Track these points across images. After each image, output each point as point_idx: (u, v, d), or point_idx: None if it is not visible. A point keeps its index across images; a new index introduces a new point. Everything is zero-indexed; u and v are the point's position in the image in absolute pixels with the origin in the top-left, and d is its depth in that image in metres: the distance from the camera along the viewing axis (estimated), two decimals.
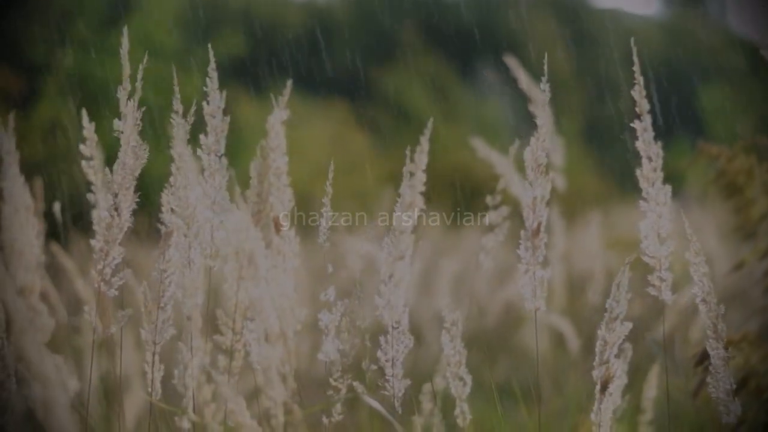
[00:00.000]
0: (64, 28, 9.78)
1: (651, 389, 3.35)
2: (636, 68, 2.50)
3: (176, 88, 2.57)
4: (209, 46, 2.62)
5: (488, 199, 3.05)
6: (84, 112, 2.73)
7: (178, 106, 2.55)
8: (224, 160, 2.60)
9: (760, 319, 3.50)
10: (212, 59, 2.58)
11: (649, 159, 2.51)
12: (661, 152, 2.51)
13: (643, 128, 2.51)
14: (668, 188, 2.50)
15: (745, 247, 3.55)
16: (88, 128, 2.71)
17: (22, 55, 9.45)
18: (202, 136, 2.58)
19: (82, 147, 2.74)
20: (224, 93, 2.61)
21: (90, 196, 2.80)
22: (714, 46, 17.40)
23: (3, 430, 2.29)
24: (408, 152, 2.54)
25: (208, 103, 2.59)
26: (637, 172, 2.51)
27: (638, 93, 2.51)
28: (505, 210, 3.04)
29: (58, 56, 9.53)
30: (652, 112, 2.53)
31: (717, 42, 17.55)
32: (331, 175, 2.54)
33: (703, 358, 2.89)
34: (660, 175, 2.51)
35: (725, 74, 16.31)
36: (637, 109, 2.51)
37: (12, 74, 9.04)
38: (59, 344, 3.67)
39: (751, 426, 2.86)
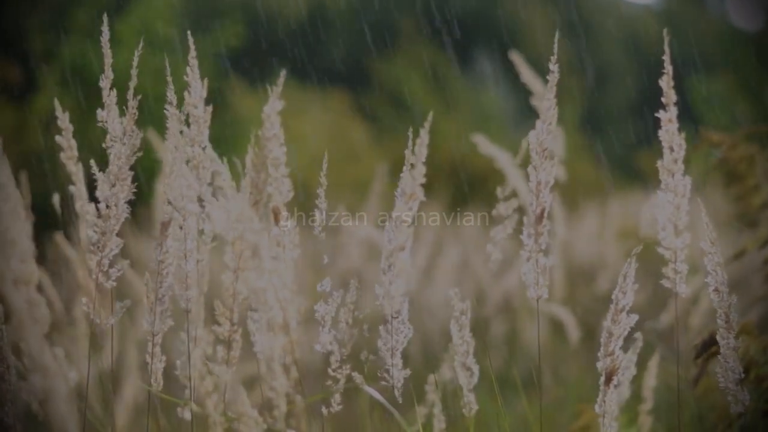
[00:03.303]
0: (64, 18, 9.76)
1: (651, 378, 3.36)
2: (666, 58, 2.49)
3: (169, 79, 2.55)
4: (188, 33, 2.60)
5: (498, 191, 3.03)
6: (57, 102, 2.69)
7: (171, 96, 2.53)
8: (209, 151, 2.58)
9: (761, 309, 3.50)
10: (192, 47, 2.56)
11: (671, 149, 2.50)
12: (683, 143, 2.50)
13: (668, 119, 2.50)
14: (688, 179, 2.49)
15: (746, 236, 3.55)
16: (62, 118, 2.68)
17: (21, 45, 9.43)
18: (185, 128, 2.56)
19: (58, 138, 2.71)
20: (206, 82, 2.59)
21: (71, 188, 2.78)
22: (712, 35, 17.39)
23: (2, 422, 2.29)
24: (410, 143, 2.53)
25: (189, 93, 2.57)
26: (658, 162, 2.49)
27: (666, 83, 2.50)
28: (515, 202, 3.03)
29: (58, 47, 9.51)
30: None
31: (715, 31, 17.54)
32: (325, 167, 2.53)
33: (704, 349, 2.89)
34: (681, 166, 2.49)
35: (723, 63, 16.30)
36: (663, 99, 2.49)
37: (11, 64, 9.03)
38: (56, 336, 3.67)
39: (751, 415, 2.86)
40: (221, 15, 12.68)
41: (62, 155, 2.73)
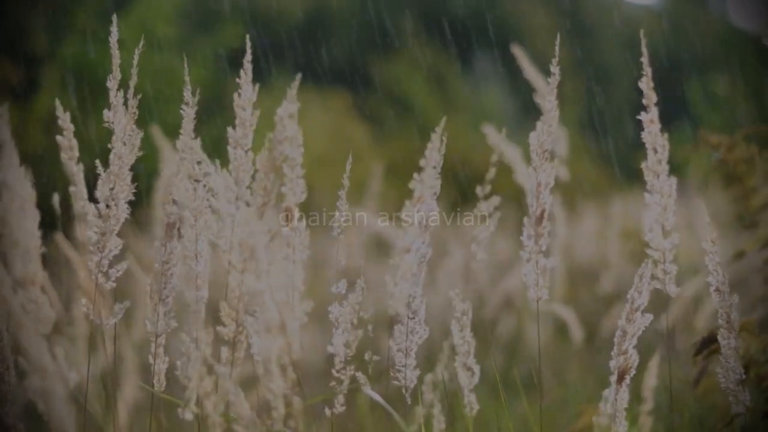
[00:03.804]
0: (65, 19, 9.76)
1: (651, 379, 3.36)
2: (644, 59, 2.49)
3: (187, 79, 2.54)
4: (247, 37, 2.60)
5: (478, 190, 3.04)
6: (58, 102, 2.68)
7: (188, 96, 2.52)
8: (251, 155, 2.57)
9: (761, 309, 3.50)
10: (248, 51, 2.56)
11: (655, 151, 2.51)
12: (666, 144, 2.51)
13: (650, 120, 2.51)
14: (673, 180, 2.50)
15: (745, 237, 3.55)
16: (63, 118, 2.67)
17: (22, 45, 9.43)
18: (230, 129, 2.55)
19: (59, 138, 2.70)
20: (257, 86, 2.58)
21: (72, 189, 2.78)
22: (713, 36, 17.39)
23: (2, 422, 2.29)
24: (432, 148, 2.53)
25: (239, 95, 2.56)
26: (643, 164, 2.50)
27: (646, 85, 2.50)
28: (496, 200, 3.04)
29: (59, 47, 9.51)
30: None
31: (716, 32, 17.53)
32: (348, 168, 2.53)
33: (703, 346, 2.89)
34: (665, 167, 2.50)
35: (724, 64, 16.29)
36: (644, 101, 2.50)
37: (12, 65, 9.03)
38: (55, 336, 3.67)
39: (751, 415, 2.85)
40: (221, 16, 12.68)
41: (63, 155, 2.72)
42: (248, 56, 2.56)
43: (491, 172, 3.05)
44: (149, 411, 2.69)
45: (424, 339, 2.51)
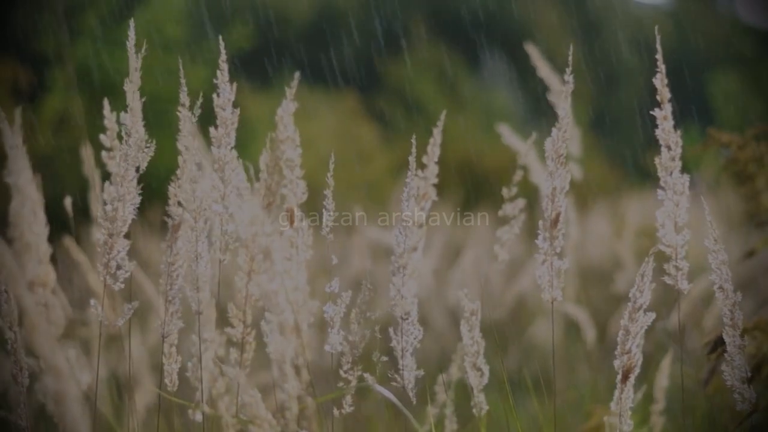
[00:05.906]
0: (74, 20, 9.78)
1: (663, 379, 3.36)
2: (659, 56, 2.49)
3: (182, 81, 2.56)
4: (220, 38, 2.61)
5: (504, 191, 3.04)
6: (106, 102, 2.71)
7: (185, 98, 2.54)
8: (234, 153, 2.59)
9: None
10: (222, 51, 2.57)
11: (668, 148, 2.51)
12: (680, 141, 2.51)
13: (664, 116, 2.51)
14: (686, 177, 2.50)
15: (756, 235, 3.55)
16: (110, 118, 2.70)
17: (32, 47, 9.45)
18: (212, 129, 2.57)
19: (102, 137, 2.73)
20: (234, 85, 2.60)
21: (110, 188, 2.79)
22: (722, 34, 17.38)
23: (17, 425, 2.30)
24: (414, 140, 2.53)
25: (218, 96, 2.58)
26: (656, 160, 2.50)
27: (660, 81, 2.50)
28: (521, 202, 3.03)
29: (68, 48, 9.53)
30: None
31: (725, 30, 17.52)
32: (332, 167, 2.53)
33: (716, 346, 2.89)
34: (678, 164, 2.51)
35: (733, 62, 16.28)
36: (658, 97, 2.50)
37: (21, 66, 9.04)
38: (67, 338, 3.68)
39: (763, 414, 2.85)
40: (230, 17, 12.69)
41: (104, 154, 2.74)
42: (223, 56, 2.57)
43: (518, 174, 3.04)
44: (165, 412, 2.70)
45: (419, 339, 2.51)
